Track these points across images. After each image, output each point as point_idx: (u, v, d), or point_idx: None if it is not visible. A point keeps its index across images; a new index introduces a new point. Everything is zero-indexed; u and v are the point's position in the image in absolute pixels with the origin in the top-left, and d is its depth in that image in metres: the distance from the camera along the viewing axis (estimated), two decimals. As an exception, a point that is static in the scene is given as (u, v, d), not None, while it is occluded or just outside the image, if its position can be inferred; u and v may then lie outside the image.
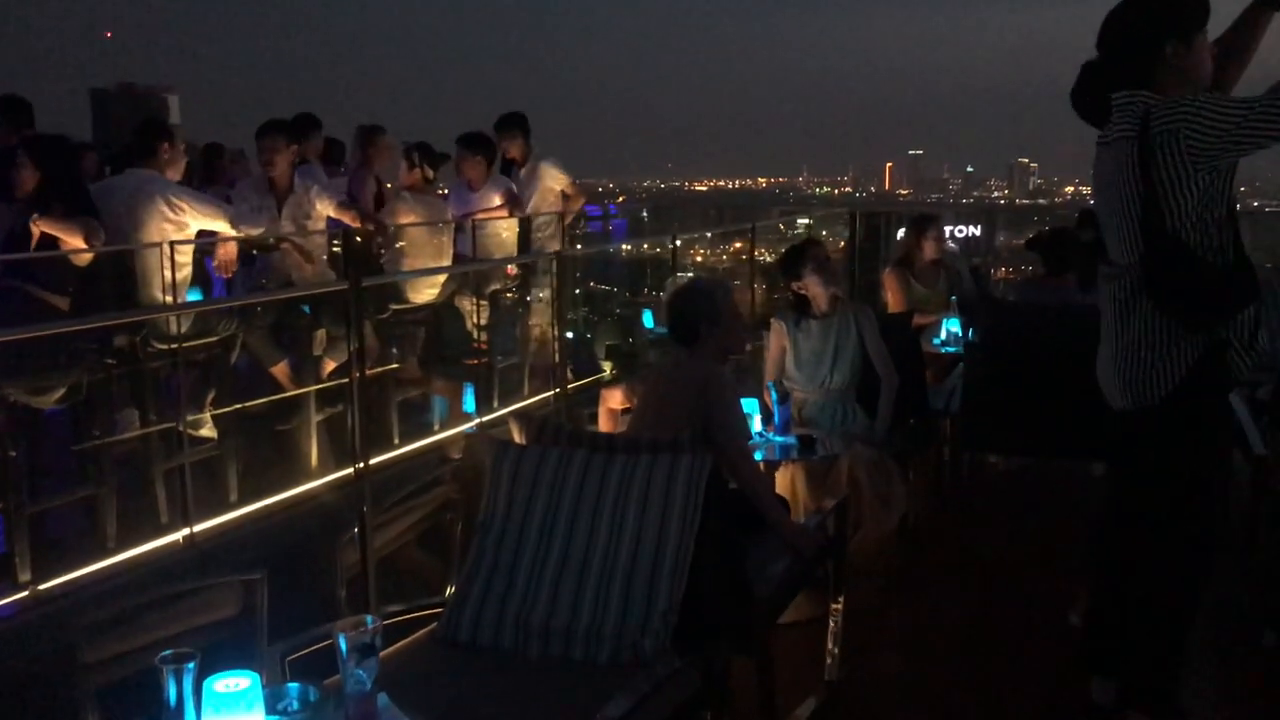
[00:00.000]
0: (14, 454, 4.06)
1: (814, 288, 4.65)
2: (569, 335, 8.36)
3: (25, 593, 3.93)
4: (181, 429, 4.57)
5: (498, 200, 6.67)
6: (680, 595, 2.61)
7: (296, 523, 4.48)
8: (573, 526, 2.71)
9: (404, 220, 6.18)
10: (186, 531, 4.45)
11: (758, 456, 4.00)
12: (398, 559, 3.83)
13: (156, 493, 4.66)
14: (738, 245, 11.41)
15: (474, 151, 6.63)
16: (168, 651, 1.84)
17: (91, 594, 4.02)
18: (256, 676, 1.86)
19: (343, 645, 1.92)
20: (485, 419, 5.68)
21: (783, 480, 4.25)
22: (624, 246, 11.02)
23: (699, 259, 12.28)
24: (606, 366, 7.82)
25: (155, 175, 4.98)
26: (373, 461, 5.25)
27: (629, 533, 2.67)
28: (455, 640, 2.66)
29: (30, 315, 4.29)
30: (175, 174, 5.17)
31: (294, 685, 1.99)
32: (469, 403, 4.80)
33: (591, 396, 6.87)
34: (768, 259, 9.62)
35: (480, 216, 6.61)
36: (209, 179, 7.14)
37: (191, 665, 1.83)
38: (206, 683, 1.83)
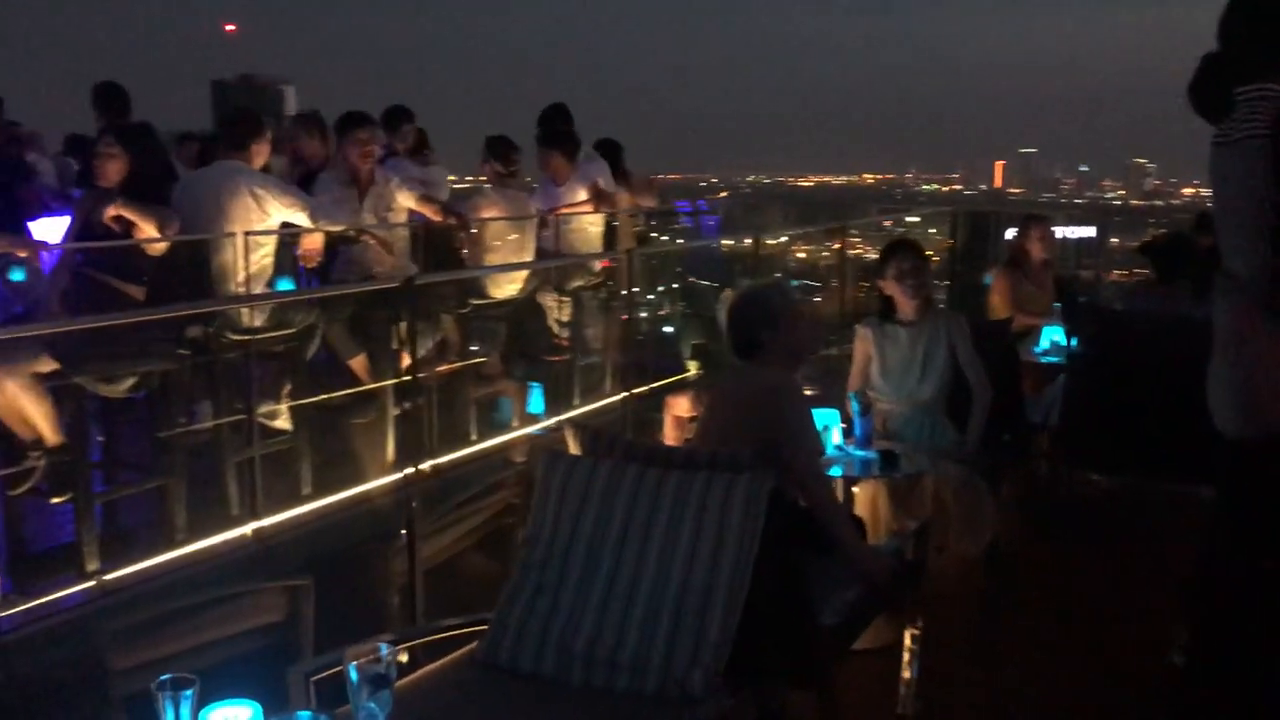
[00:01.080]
0: (82, 443, 4.07)
1: (897, 294, 4.40)
2: (668, 329, 8.22)
3: (92, 583, 3.93)
4: (253, 421, 4.54)
5: (583, 194, 6.53)
6: (734, 626, 2.42)
7: (359, 521, 4.41)
8: (622, 547, 2.55)
9: (486, 214, 6.09)
10: (255, 525, 4.42)
11: (836, 472, 3.78)
12: (458, 564, 3.72)
13: (227, 485, 4.63)
14: (839, 245, 11.10)
15: (554, 145, 6.52)
16: (165, 677, 1.73)
17: (155, 586, 4.00)
18: (258, 707, 1.74)
19: (353, 676, 1.79)
20: (557, 420, 5.55)
21: (862, 498, 4.02)
22: (725, 241, 10.81)
23: (801, 255, 11.99)
24: (691, 366, 7.64)
25: (242, 166, 4.95)
26: (443, 459, 5.21)
27: (681, 556, 2.50)
28: (494, 663, 2.52)
29: (105, 304, 4.29)
30: (260, 164, 5.14)
31: (304, 714, 1.87)
32: (536, 403, 4.66)
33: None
34: (871, 257, 9.32)
35: (564, 211, 6.49)
36: (298, 164, 7.16)
37: (189, 692, 1.71)
38: (203, 713, 1.72)
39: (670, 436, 3.53)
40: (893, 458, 3.89)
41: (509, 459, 4.55)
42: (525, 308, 6.38)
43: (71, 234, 4.51)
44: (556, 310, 6.39)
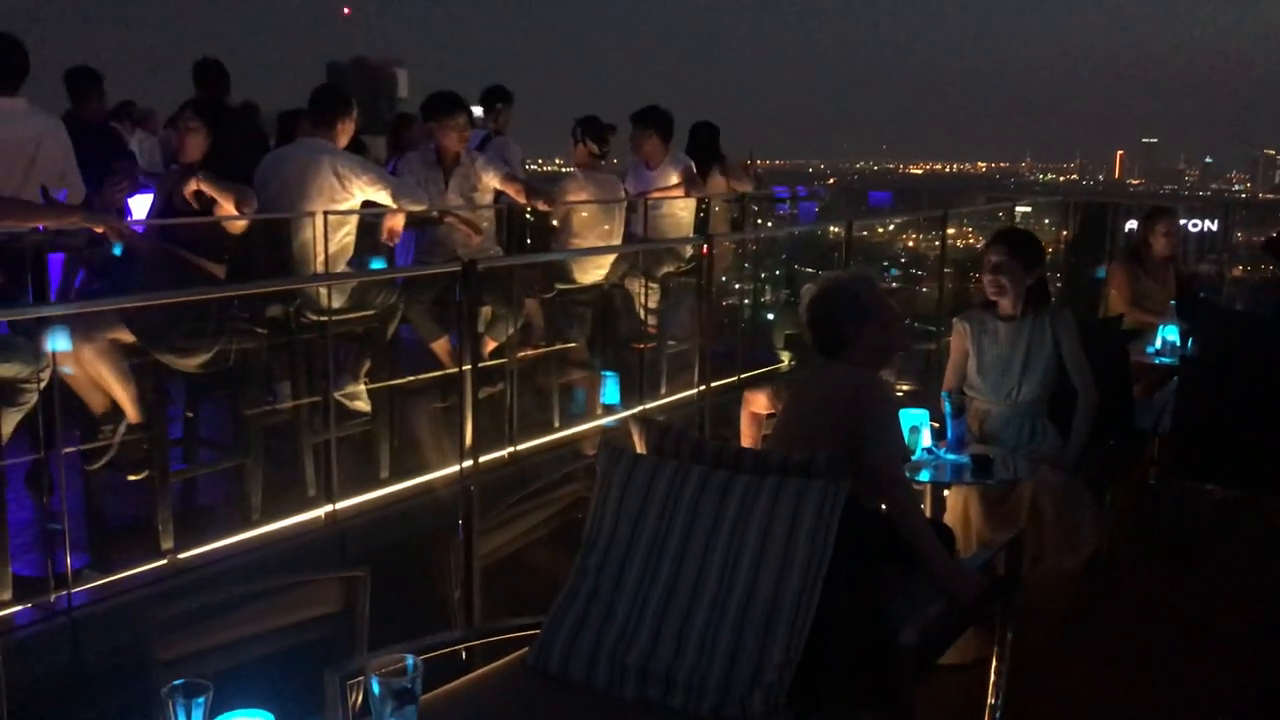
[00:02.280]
0: (159, 419, 4.06)
1: (986, 288, 4.13)
2: (770, 317, 8.02)
3: (164, 561, 3.92)
4: (330, 402, 4.49)
5: (675, 179, 6.37)
6: (800, 645, 2.25)
7: (428, 509, 4.33)
8: (683, 554, 2.39)
9: (575, 198, 5.96)
10: (329, 508, 4.37)
11: (924, 477, 3.55)
12: (524, 558, 3.61)
13: (304, 466, 4.60)
14: (951, 231, 10.71)
15: (647, 127, 6.36)
16: (179, 681, 1.63)
17: (225, 567, 3.99)
18: (271, 718, 1.63)
19: (375, 688, 1.67)
20: (636, 410, 5.40)
21: (953, 505, 3.78)
22: (832, 229, 10.55)
23: (910, 244, 11.65)
24: (784, 357, 7.42)
25: (326, 144, 4.91)
26: (521, 447, 5.11)
27: (745, 567, 2.33)
28: (544, 670, 2.38)
29: (186, 280, 4.28)
30: (345, 142, 5.10)
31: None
32: (611, 393, 4.52)
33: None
34: (972, 243, 8.98)
35: (655, 196, 6.33)
36: (397, 148, 7.16)
37: (201, 699, 1.61)
38: (216, 722, 1.61)
39: (746, 434, 3.34)
40: (986, 463, 3.64)
41: (580, 451, 4.42)
42: (612, 294, 6.26)
43: (155, 210, 4.51)
44: (643, 296, 6.24)
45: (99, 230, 3.86)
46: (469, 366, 3.35)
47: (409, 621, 3.42)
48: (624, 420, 4.45)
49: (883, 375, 3.15)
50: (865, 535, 2.52)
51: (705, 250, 4.34)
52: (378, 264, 5.81)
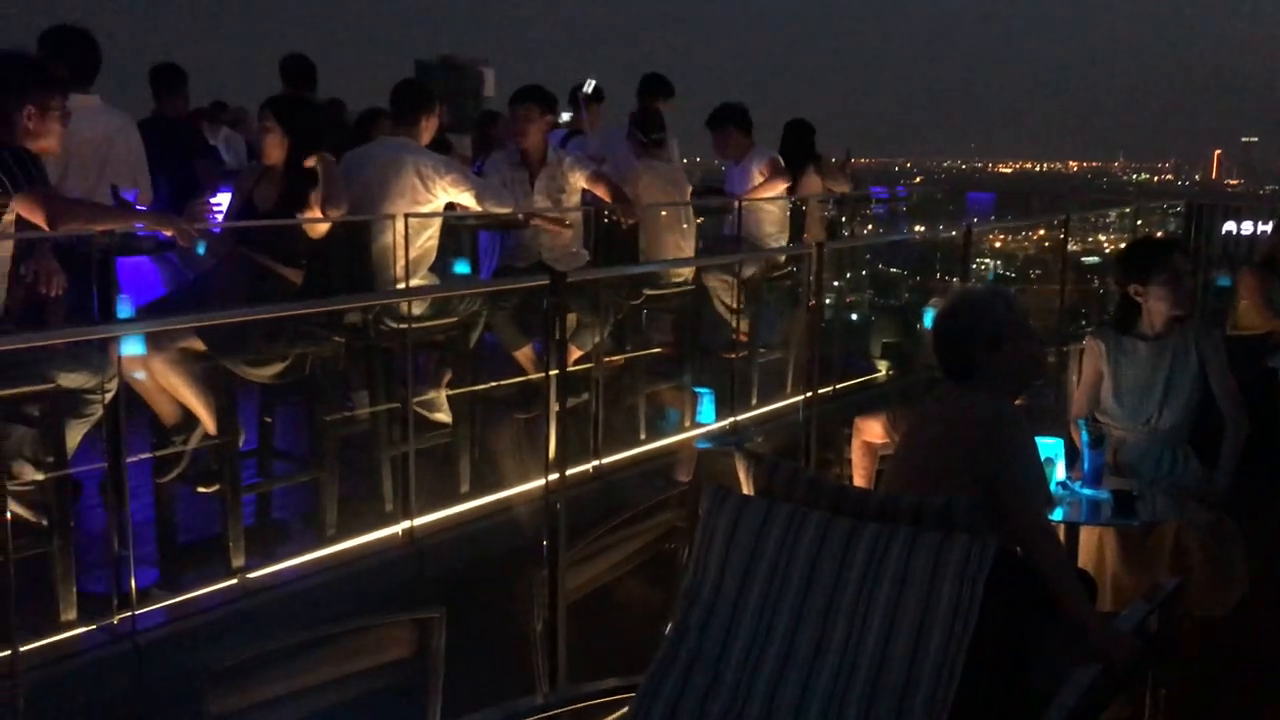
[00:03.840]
0: (231, 431, 3.88)
1: (1157, 302, 3.71)
2: (854, 317, 7.68)
3: (234, 581, 3.74)
4: (409, 413, 4.27)
5: (758, 173, 6.10)
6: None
7: (512, 527, 4.08)
8: (800, 615, 2.08)
9: (648, 190, 5.65)
10: (407, 525, 4.16)
11: (1057, 515, 3.19)
12: (614, 590, 3.33)
13: (382, 480, 4.39)
14: (1042, 231, 10.21)
15: (724, 125, 6.23)
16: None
17: (297, 589, 3.79)
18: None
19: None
20: (731, 421, 5.08)
21: (1088, 545, 3.41)
22: (918, 228, 10.17)
23: (998, 244, 11.19)
24: (881, 367, 7.05)
25: (409, 143, 4.70)
26: (607, 460, 4.84)
27: (874, 633, 2.01)
28: (641, 743, 2.09)
29: (260, 285, 4.09)
30: (428, 140, 4.88)
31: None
32: (706, 413, 4.21)
33: (858, 403, 6.19)
34: (1073, 247, 8.50)
35: (755, 197, 6.04)
36: (484, 148, 6.98)
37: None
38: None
39: (858, 466, 3.01)
40: (1128, 500, 3.25)
41: (672, 475, 4.13)
42: (702, 299, 5.97)
43: (233, 211, 4.33)
44: (726, 294, 5.94)
45: (168, 233, 3.68)
46: (555, 378, 3.05)
47: (487, 660, 3.18)
48: (718, 439, 4.15)
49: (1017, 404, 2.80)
50: (1011, 591, 2.19)
51: (815, 254, 4.01)
52: (462, 267, 5.60)
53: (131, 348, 3.64)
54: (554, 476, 2.88)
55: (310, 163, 4.11)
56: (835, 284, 7.51)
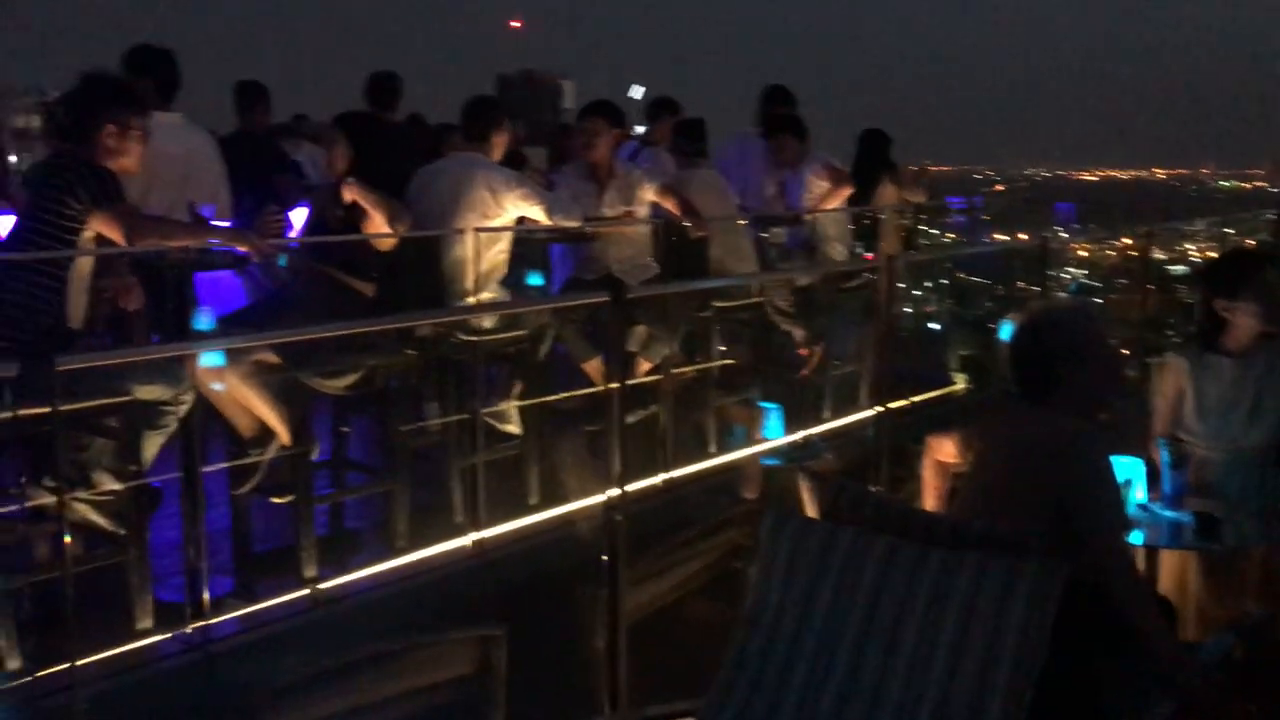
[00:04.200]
0: (304, 441, 3.93)
1: (1245, 318, 3.56)
2: (933, 326, 7.56)
3: (306, 591, 3.78)
4: (479, 424, 4.30)
5: (818, 180, 6.04)
6: (1008, 757, 1.87)
7: (579, 539, 4.07)
8: (862, 644, 2.03)
9: (703, 200, 5.63)
10: (476, 536, 4.18)
11: (1137, 539, 3.07)
12: (677, 609, 3.30)
13: (452, 491, 4.42)
14: (1127, 240, 9.96)
15: (781, 134, 6.16)
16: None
17: (367, 600, 3.83)
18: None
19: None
20: (801, 435, 5.01)
21: (1170, 570, 3.28)
22: (1000, 237, 9.98)
23: (1083, 253, 10.94)
24: (959, 380, 6.92)
25: (479, 158, 4.73)
26: (677, 473, 4.81)
27: (939, 666, 1.96)
28: (699, 772, 2.07)
29: (334, 298, 4.15)
30: (499, 155, 4.91)
31: None
32: (773, 429, 4.16)
33: (934, 418, 6.06)
34: (1160, 256, 8.26)
35: (825, 208, 5.98)
36: (559, 160, 7.02)
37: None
38: None
39: (929, 486, 2.94)
40: (1212, 523, 3.12)
41: (738, 492, 4.09)
42: (767, 309, 5.91)
43: (308, 226, 4.40)
44: (783, 305, 5.89)
45: (243, 249, 3.75)
46: (616, 391, 3.03)
47: (551, 677, 3.16)
48: (786, 455, 4.09)
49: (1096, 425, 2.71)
50: (1084, 619, 2.12)
51: (885, 268, 3.94)
52: (535, 279, 5.61)
53: (210, 360, 3.72)
54: (615, 492, 2.84)
55: (347, 197, 4.17)
56: (914, 294, 7.42)
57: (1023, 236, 9.53)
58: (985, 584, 1.97)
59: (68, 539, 2.95)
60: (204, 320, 3.87)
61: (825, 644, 2.06)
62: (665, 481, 4.86)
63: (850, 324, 6.34)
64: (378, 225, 4.16)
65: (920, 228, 7.89)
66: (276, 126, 6.93)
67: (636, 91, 6.86)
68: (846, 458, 4.02)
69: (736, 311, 5.71)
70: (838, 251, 6.21)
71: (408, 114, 7.43)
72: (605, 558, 2.88)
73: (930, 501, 2.92)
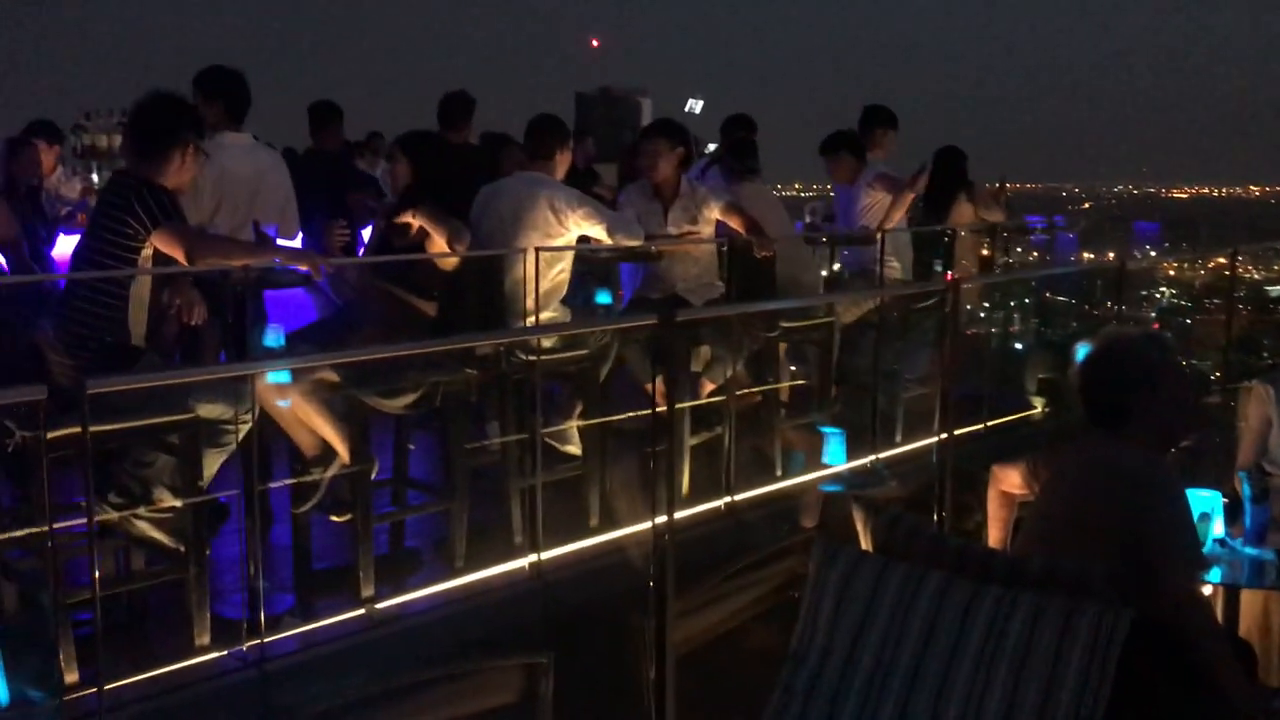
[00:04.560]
0: (364, 460, 3.94)
1: None
2: (1017, 347, 7.37)
3: (361, 611, 3.78)
4: (538, 444, 4.27)
5: (876, 192, 5.93)
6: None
7: (635, 563, 4.01)
8: (912, 684, 1.95)
9: (764, 214, 5.53)
10: (533, 559, 4.14)
11: (1215, 577, 2.92)
12: (731, 639, 3.22)
13: (511, 511, 4.39)
14: (1220, 260, 9.66)
15: (838, 151, 6.15)
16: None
17: (423, 620, 3.81)
18: None
19: None
20: (869, 460, 4.89)
21: (1251, 610, 3.11)
22: (1085, 254, 9.75)
23: (1170, 272, 10.64)
24: (1037, 404, 6.72)
25: (543, 177, 4.72)
26: (740, 497, 4.73)
27: (995, 705, 1.87)
28: (740, 814, 1.99)
29: (395, 317, 4.16)
30: (562, 174, 4.90)
31: None
32: (835, 454, 4.05)
33: (1009, 443, 5.89)
34: (1254, 276, 7.97)
35: (889, 225, 5.86)
36: (629, 177, 7.01)
37: None
38: None
39: (994, 518, 2.83)
40: (1297, 561, 2.97)
41: (797, 523, 4.00)
42: (845, 332, 5.80)
43: (372, 245, 4.43)
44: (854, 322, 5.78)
45: (303, 268, 3.78)
46: (662, 414, 2.97)
47: (597, 705, 3.11)
48: (848, 482, 3.97)
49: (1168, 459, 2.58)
50: (1151, 661, 2.00)
51: (952, 292, 3.82)
52: (603, 297, 5.58)
53: (276, 377, 3.76)
54: (663, 519, 2.78)
55: (404, 219, 4.19)
56: (997, 314, 7.24)
57: (1110, 256, 9.29)
58: (1042, 626, 1.87)
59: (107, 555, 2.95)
60: (274, 337, 3.91)
61: (873, 685, 1.98)
62: (727, 505, 4.78)
63: (923, 345, 6.20)
64: (440, 245, 4.17)
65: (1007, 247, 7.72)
66: (354, 144, 7.03)
67: (696, 105, 6.83)
68: (912, 485, 3.91)
69: (805, 331, 5.61)
70: (895, 270, 6.08)
71: (482, 132, 7.50)
72: (652, 586, 2.82)
73: (994, 534, 2.81)
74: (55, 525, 3.19)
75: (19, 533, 3.13)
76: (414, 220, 4.17)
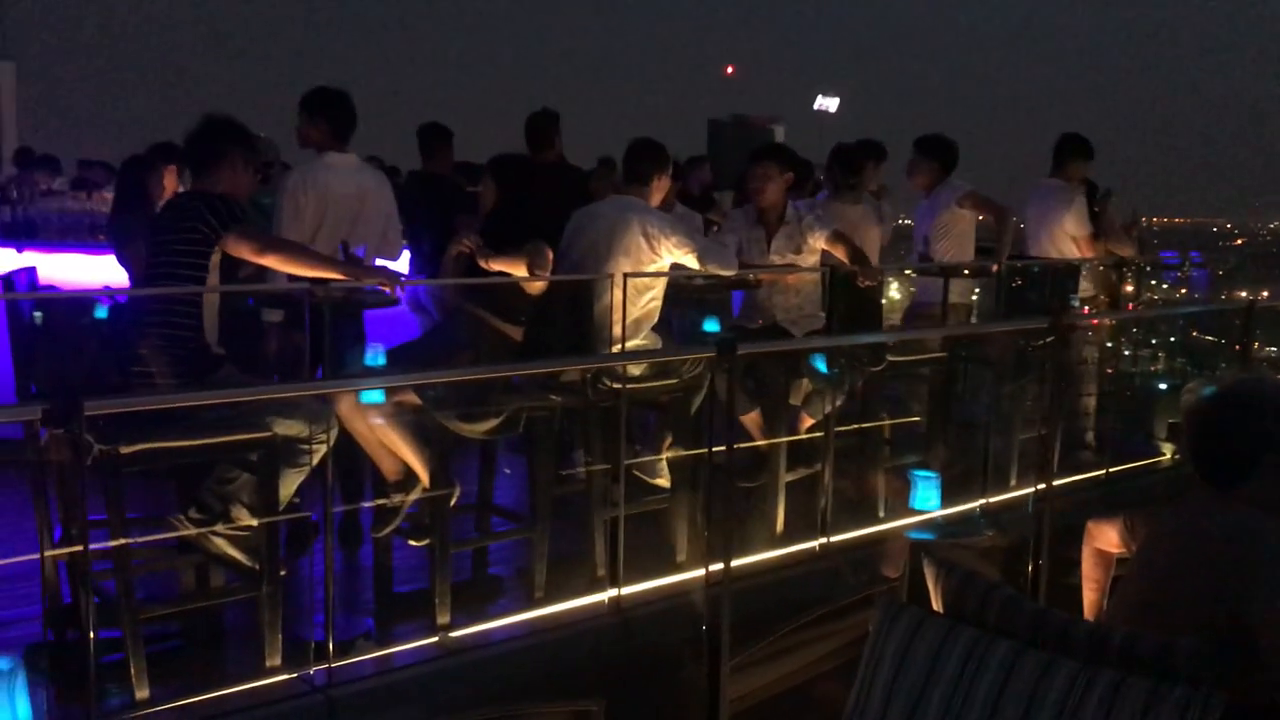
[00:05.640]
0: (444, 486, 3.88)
1: None
2: (1162, 386, 6.99)
3: (435, 639, 3.72)
4: (623, 475, 4.16)
5: (960, 212, 5.65)
6: None
7: (715, 604, 3.86)
8: (971, 766, 1.75)
9: (868, 240, 5.31)
10: (614, 593, 4.02)
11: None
12: (806, 693, 3.04)
13: (594, 543, 4.28)
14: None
15: (928, 157, 5.83)
16: None
17: (496, 652, 3.73)
18: None
19: None
20: (966, 508, 4.63)
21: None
22: (1242, 293, 9.18)
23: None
24: (1166, 450, 6.32)
25: (637, 202, 4.61)
26: (836, 538, 4.52)
27: (1061, 800, 1.65)
28: None
29: (480, 341, 4.11)
30: (659, 200, 4.79)
31: None
32: (924, 499, 3.81)
33: (1132, 490, 5.53)
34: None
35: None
36: (743, 203, 6.89)
37: None
38: None
39: (1089, 578, 2.59)
40: None
41: (879, 573, 3.78)
42: (961, 365, 5.54)
43: (462, 267, 4.39)
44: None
45: (382, 286, 3.77)
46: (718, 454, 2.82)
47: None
48: (940, 530, 3.74)
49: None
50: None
51: (1062, 327, 3.57)
52: (711, 325, 5.45)
53: (367, 397, 3.75)
54: (717, 567, 2.63)
55: (462, 249, 4.14)
56: (1143, 352, 6.85)
57: (1264, 294, 8.73)
58: (1120, 707, 1.66)
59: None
60: (374, 355, 3.90)
61: (929, 760, 1.79)
62: (822, 547, 4.58)
63: (1041, 383, 5.89)
64: (524, 272, 4.10)
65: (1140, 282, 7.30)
66: (459, 165, 7.06)
67: (829, 103, 6.64)
68: (1013, 535, 3.65)
69: (914, 366, 5.38)
70: (960, 311, 5.78)
71: (600, 157, 7.45)
72: (705, 635, 2.66)
73: (1089, 595, 2.57)
74: (133, 540, 3.24)
75: (81, 548, 3.14)
76: (492, 266, 4.12)
